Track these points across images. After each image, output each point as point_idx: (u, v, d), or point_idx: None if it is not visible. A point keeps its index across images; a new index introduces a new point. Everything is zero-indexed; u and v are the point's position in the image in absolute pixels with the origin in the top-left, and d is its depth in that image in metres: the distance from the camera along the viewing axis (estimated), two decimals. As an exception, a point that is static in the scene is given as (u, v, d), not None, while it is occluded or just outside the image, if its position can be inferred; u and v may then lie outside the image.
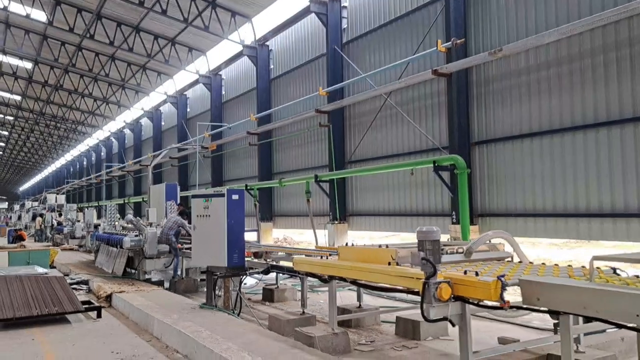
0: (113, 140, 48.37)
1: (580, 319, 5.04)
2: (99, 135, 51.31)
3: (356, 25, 17.85)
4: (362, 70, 16.88)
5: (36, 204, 40.20)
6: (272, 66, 23.17)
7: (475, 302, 4.58)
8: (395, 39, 16.04)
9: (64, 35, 27.67)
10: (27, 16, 25.30)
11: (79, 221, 22.43)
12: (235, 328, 6.82)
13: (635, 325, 3.78)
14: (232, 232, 8.11)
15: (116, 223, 15.76)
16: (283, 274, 8.96)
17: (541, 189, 11.64)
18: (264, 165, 22.92)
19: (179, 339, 6.65)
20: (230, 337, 6.21)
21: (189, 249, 10.37)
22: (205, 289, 9.28)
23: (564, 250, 18.01)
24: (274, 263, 9.24)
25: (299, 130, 20.80)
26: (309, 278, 7.71)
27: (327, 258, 6.93)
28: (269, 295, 10.46)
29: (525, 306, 4.47)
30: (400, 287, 5.42)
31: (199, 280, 11.84)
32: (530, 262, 6.05)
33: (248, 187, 18.32)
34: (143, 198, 28.54)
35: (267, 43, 23.07)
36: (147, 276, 12.06)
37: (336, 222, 17.47)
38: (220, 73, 27.96)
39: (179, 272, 11.70)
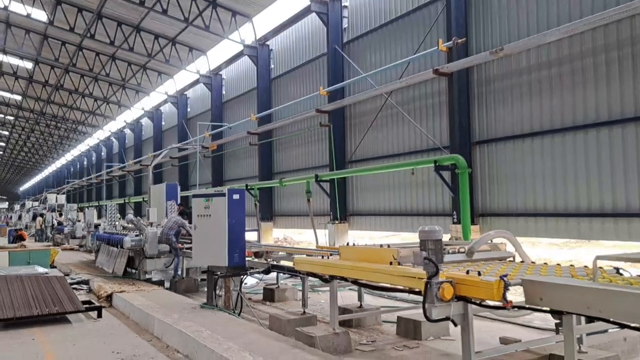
0: (113, 140, 48.36)
1: (583, 319, 5.02)
2: (99, 135, 51.30)
3: (357, 25, 17.82)
4: (363, 69, 16.85)
5: (36, 203, 40.18)
6: (272, 66, 23.14)
7: (478, 302, 4.56)
8: (396, 38, 16.02)
9: (64, 34, 27.66)
10: (28, 16, 25.30)
11: (79, 221, 22.40)
12: (236, 328, 6.80)
13: (639, 325, 3.76)
14: (233, 232, 8.08)
15: (116, 223, 15.74)
16: (284, 273, 8.94)
17: (542, 189, 11.61)
18: (265, 165, 22.90)
19: (180, 339, 6.63)
20: (231, 337, 6.19)
21: (190, 248, 10.35)
22: (205, 289, 9.25)
23: (564, 250, 17.98)
24: (275, 263, 9.22)
25: (299, 130, 20.78)
26: (310, 278, 7.70)
27: (328, 258, 6.90)
28: (269, 295, 10.44)
29: (528, 306, 4.45)
30: (402, 287, 5.40)
31: (199, 280, 11.82)
32: (533, 262, 6.03)
33: (248, 187, 18.30)
34: (143, 198, 28.55)
35: (268, 43, 23.05)
36: (147, 276, 12.03)
37: (336, 221, 17.45)
38: (220, 73, 27.94)
39: (179, 272, 11.67)
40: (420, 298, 4.49)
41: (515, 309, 4.59)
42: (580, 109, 10.93)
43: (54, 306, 8.25)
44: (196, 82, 29.64)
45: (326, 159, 18.91)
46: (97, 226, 17.69)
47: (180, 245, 11.54)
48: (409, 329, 7.22)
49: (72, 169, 65.63)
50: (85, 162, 60.10)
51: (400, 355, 6.44)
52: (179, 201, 14.59)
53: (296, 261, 7.30)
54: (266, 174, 22.69)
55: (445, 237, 7.87)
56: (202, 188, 23.81)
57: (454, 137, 13.46)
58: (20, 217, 41.56)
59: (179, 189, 15.71)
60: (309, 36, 20.47)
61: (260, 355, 5.43)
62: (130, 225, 13.15)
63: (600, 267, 4.71)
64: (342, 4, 18.35)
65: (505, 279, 4.22)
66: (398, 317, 7.55)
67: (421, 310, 4.48)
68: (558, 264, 5.59)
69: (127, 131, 44.49)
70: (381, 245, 6.27)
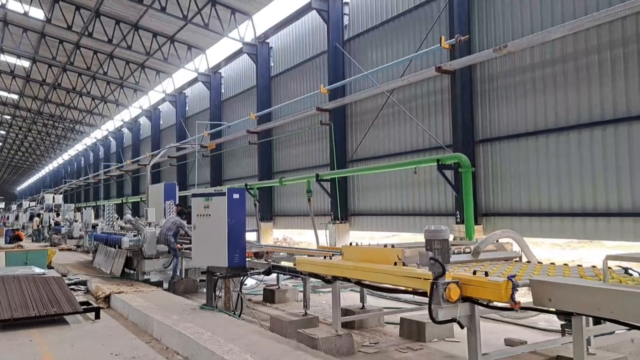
0: (111, 139, 48.21)
1: (590, 320, 4.92)
2: (97, 135, 51.15)
3: (358, 22, 17.70)
4: (364, 67, 16.73)
5: (34, 203, 40.07)
6: (272, 64, 23.00)
7: (485, 303, 4.48)
8: (397, 35, 15.90)
9: (62, 33, 27.51)
10: (25, 14, 25.13)
11: (76, 221, 22.30)
12: (237, 329, 6.70)
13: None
14: (233, 232, 7.97)
15: (114, 223, 15.63)
16: (285, 274, 8.83)
17: (547, 188, 11.50)
18: (264, 164, 22.76)
19: (180, 341, 6.53)
20: (231, 339, 6.09)
21: (189, 249, 10.24)
22: (204, 290, 9.15)
23: (567, 251, 17.89)
24: (275, 263, 9.11)
25: (299, 128, 20.65)
26: (310, 279, 7.59)
27: (330, 258, 6.80)
28: (270, 296, 10.33)
29: (536, 307, 4.35)
30: (406, 288, 5.30)
31: (198, 280, 11.73)
32: (539, 262, 5.94)
33: (248, 187, 18.18)
34: (141, 198, 28.38)
35: (268, 40, 22.91)
36: (146, 277, 11.95)
37: (337, 221, 17.33)
38: (219, 71, 27.79)
39: (178, 273, 11.57)
40: (424, 299, 4.40)
41: (523, 310, 4.49)
42: (585, 107, 10.82)
43: (52, 307, 8.17)
44: (195, 80, 29.49)
45: (327, 158, 18.79)
46: (94, 226, 17.59)
47: (179, 245, 11.43)
48: (412, 331, 7.11)
49: (69, 169, 65.48)
50: (82, 162, 59.89)
51: (403, 357, 6.33)
52: (177, 201, 14.48)
53: (298, 262, 7.20)
54: (266, 173, 22.56)
55: (449, 238, 7.75)
56: (201, 188, 23.70)
57: (457, 136, 13.34)
58: (17, 217, 41.40)
59: (177, 188, 15.60)
60: (310, 34, 20.34)
61: (262, 357, 5.35)
62: (128, 225, 13.03)
63: (610, 268, 4.61)
64: (343, 1, 18.20)
65: (513, 279, 4.15)
66: (401, 318, 7.45)
67: (425, 312, 4.39)
68: (566, 264, 5.49)
69: (125, 130, 44.34)
70: (385, 246, 6.16)
